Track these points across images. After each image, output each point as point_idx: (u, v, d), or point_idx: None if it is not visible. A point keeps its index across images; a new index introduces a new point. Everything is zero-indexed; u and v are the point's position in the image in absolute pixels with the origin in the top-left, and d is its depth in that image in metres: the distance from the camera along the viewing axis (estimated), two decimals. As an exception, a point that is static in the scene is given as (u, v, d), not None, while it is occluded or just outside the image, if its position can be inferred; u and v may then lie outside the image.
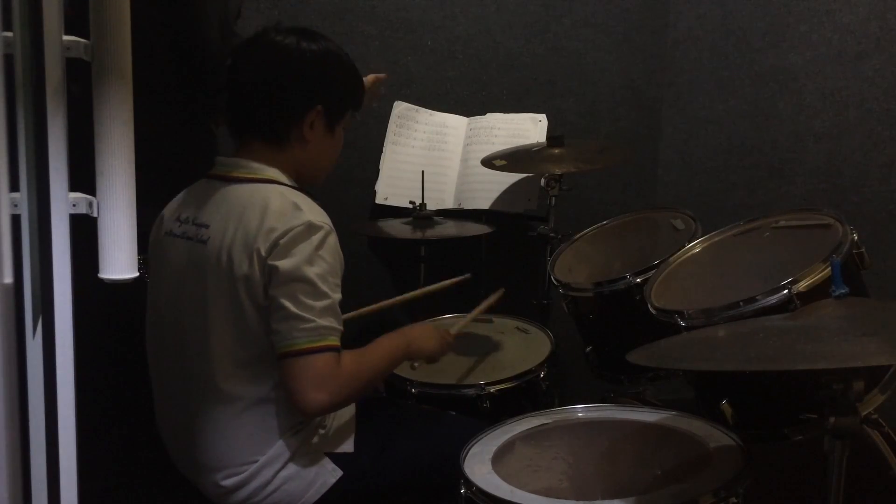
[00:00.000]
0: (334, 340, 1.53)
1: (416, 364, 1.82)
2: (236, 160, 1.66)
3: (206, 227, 1.60)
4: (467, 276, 2.26)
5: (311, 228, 1.53)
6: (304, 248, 1.52)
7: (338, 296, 1.56)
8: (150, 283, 1.70)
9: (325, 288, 1.52)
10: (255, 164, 1.64)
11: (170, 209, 1.71)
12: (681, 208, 2.25)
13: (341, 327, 1.56)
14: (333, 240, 1.57)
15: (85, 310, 1.02)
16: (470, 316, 2.12)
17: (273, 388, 1.57)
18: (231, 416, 1.58)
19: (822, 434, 1.31)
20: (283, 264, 1.51)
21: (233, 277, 1.54)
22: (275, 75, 1.63)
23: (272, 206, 1.55)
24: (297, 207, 1.55)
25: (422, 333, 1.80)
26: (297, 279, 1.51)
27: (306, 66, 1.64)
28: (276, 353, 1.53)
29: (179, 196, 1.72)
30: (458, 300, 2.28)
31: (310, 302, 1.51)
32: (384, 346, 1.69)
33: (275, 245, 1.51)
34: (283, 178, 1.64)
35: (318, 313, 1.51)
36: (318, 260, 1.53)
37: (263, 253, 1.52)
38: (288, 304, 1.50)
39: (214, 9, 2.04)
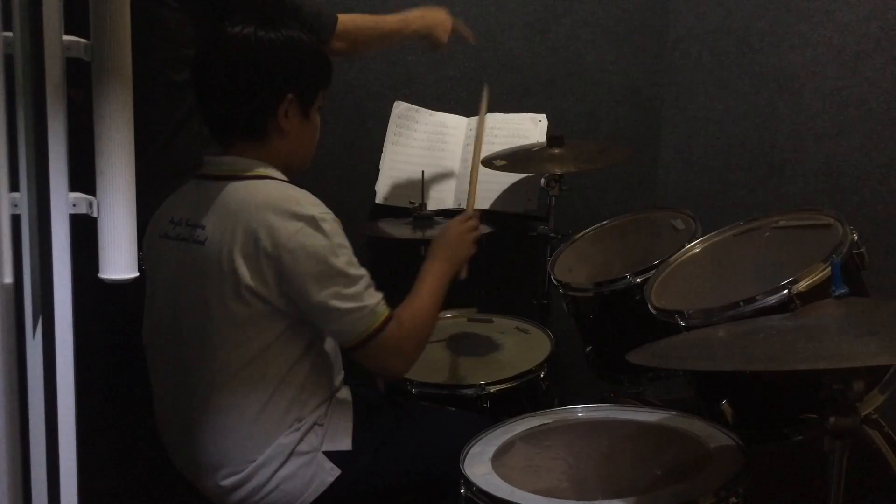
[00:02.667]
0: (386, 310, 1.60)
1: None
2: (224, 159, 1.65)
3: (202, 227, 1.59)
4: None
5: (318, 224, 1.54)
6: (323, 244, 1.54)
7: (364, 270, 1.61)
8: (147, 285, 1.70)
9: (354, 271, 1.57)
10: (245, 161, 1.63)
11: (162, 212, 1.70)
12: (681, 208, 2.25)
13: (382, 293, 1.61)
14: (339, 226, 1.59)
15: (85, 310, 1.02)
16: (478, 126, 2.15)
17: (273, 386, 1.57)
18: (230, 415, 1.58)
19: (822, 434, 1.31)
20: (309, 266, 1.52)
21: (235, 278, 1.53)
22: (238, 71, 1.61)
23: (273, 205, 1.55)
24: (297, 203, 1.55)
25: (455, 241, 1.84)
26: (331, 275, 1.54)
27: (268, 56, 1.62)
28: (344, 348, 1.62)
29: (171, 198, 1.71)
30: (459, 298, 2.26)
31: (351, 290, 1.55)
32: (429, 283, 1.74)
33: (287, 245, 1.51)
34: (273, 172, 1.64)
35: (364, 296, 1.57)
36: (338, 248, 1.56)
37: (270, 251, 1.51)
38: (336, 303, 1.54)
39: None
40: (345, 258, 1.56)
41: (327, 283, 1.53)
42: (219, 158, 1.66)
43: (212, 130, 1.67)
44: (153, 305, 1.69)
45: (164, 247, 1.65)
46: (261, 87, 1.61)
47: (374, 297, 1.58)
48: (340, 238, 1.57)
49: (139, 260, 1.04)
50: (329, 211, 1.59)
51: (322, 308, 1.54)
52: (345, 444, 1.68)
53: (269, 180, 1.61)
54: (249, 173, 1.62)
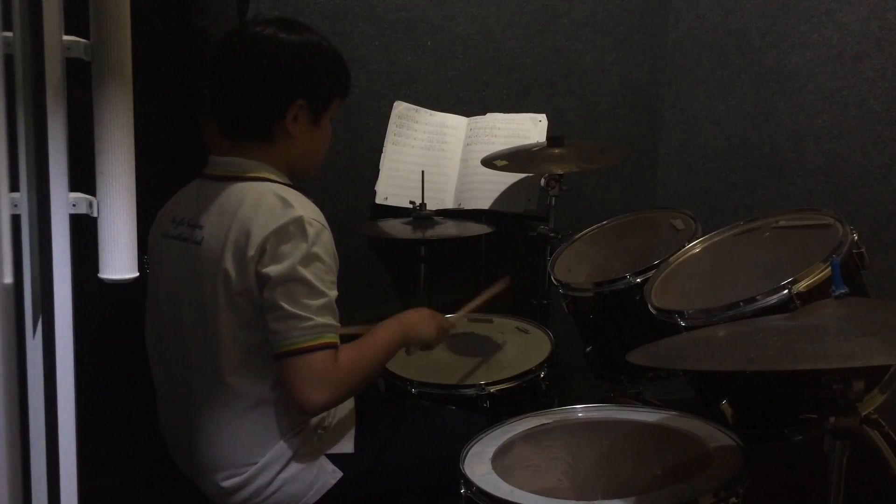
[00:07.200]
0: (332, 337, 1.53)
1: (409, 350, 1.80)
2: (228, 159, 1.65)
3: (200, 227, 1.60)
4: (507, 279, 2.17)
5: (304, 227, 1.52)
6: (299, 247, 1.51)
7: (334, 293, 1.55)
8: (149, 284, 1.70)
9: (321, 287, 1.52)
10: (247, 162, 1.63)
11: (165, 210, 1.70)
12: (681, 208, 2.24)
13: (338, 324, 1.56)
14: (327, 237, 1.56)
15: (85, 310, 1.01)
16: (473, 303, 2.08)
17: (273, 387, 1.57)
18: (232, 416, 1.58)
19: (822, 434, 1.31)
20: (278, 264, 1.50)
21: (228, 277, 1.53)
22: (252, 70, 1.61)
23: (264, 205, 1.54)
24: (288, 205, 1.54)
25: (418, 320, 1.78)
26: (294, 279, 1.50)
27: (284, 59, 1.62)
28: (273, 353, 1.53)
29: (174, 197, 1.71)
30: (461, 297, 2.26)
31: (307, 301, 1.50)
32: (380, 338, 1.68)
33: (268, 243, 1.51)
34: (275, 175, 1.63)
35: (316, 311, 1.51)
36: (314, 259, 1.52)
37: (256, 252, 1.51)
38: (285, 303, 1.50)
39: (218, 6, 2.04)
40: (314, 268, 1.52)
41: (286, 283, 1.50)
42: (223, 159, 1.66)
43: (222, 127, 1.67)
44: (155, 305, 1.69)
45: (166, 246, 1.65)
46: (272, 89, 1.61)
47: (326, 319, 1.52)
48: (322, 249, 1.53)
49: (143, 259, 1.04)
50: (321, 220, 1.56)
51: (270, 302, 1.51)
52: (347, 446, 1.67)
53: (266, 182, 1.61)
54: (250, 175, 1.62)
